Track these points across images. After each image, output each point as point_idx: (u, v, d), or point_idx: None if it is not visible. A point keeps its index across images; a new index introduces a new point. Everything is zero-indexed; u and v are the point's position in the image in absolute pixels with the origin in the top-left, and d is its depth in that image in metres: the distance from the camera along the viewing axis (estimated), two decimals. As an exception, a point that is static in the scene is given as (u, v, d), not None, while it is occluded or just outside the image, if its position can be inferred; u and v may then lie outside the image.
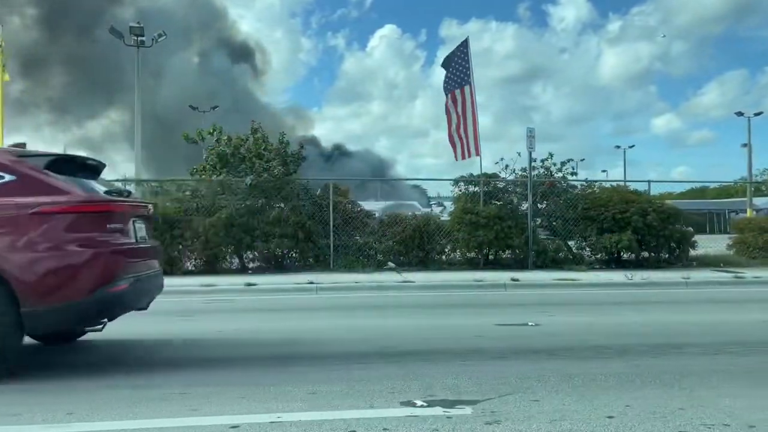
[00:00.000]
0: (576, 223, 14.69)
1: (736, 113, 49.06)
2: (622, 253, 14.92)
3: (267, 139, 14.41)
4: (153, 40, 33.29)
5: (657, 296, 10.50)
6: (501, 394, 4.04)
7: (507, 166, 15.22)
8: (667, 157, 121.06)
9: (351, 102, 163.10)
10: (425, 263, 14.05)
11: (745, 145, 48.47)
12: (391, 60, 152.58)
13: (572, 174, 15.28)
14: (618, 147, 79.08)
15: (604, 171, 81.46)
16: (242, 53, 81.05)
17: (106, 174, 5.78)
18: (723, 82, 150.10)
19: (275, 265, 13.99)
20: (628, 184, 16.21)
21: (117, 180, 13.18)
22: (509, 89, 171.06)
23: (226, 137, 13.83)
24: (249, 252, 13.73)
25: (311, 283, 11.53)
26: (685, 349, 5.64)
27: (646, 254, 14.77)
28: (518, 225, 14.15)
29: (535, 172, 15.30)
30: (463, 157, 14.81)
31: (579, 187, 15.43)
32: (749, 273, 13.18)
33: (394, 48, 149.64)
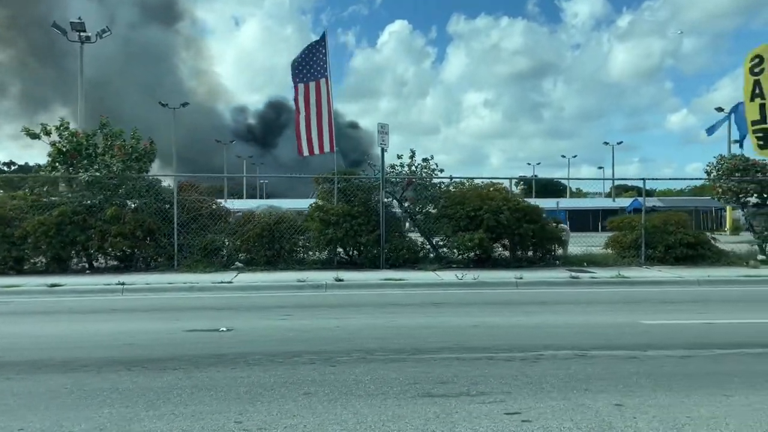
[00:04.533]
0: (436, 221, 14.35)
1: (716, 109, 48.32)
2: (493, 252, 14.57)
3: (120, 135, 14.15)
4: (97, 35, 33.29)
5: (463, 297, 10.20)
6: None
7: (372, 165, 14.91)
8: (680, 153, 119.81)
9: (361, 99, 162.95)
10: (274, 263, 13.75)
11: (736, 141, 47.95)
12: (401, 56, 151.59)
13: (434, 171, 14.91)
14: (606, 143, 78.19)
15: (600, 167, 79.88)
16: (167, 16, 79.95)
17: None
18: (736, 78, 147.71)
19: (126, 265, 13.76)
20: (493, 180, 15.71)
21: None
22: (519, 85, 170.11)
23: (68, 132, 13.56)
24: (91, 251, 13.47)
25: (121, 284, 11.27)
26: (296, 358, 5.33)
27: (518, 253, 14.44)
28: (371, 222, 13.82)
29: (403, 169, 15.02)
30: (311, 153, 14.45)
31: (443, 184, 15.05)
32: (598, 273, 12.80)
33: (405, 44, 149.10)
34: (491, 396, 4.09)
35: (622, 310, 8.38)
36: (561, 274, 12.73)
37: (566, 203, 49.30)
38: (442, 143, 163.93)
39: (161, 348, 5.91)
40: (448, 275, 12.36)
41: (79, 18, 32.49)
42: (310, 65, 14.49)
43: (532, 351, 5.58)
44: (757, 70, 15.20)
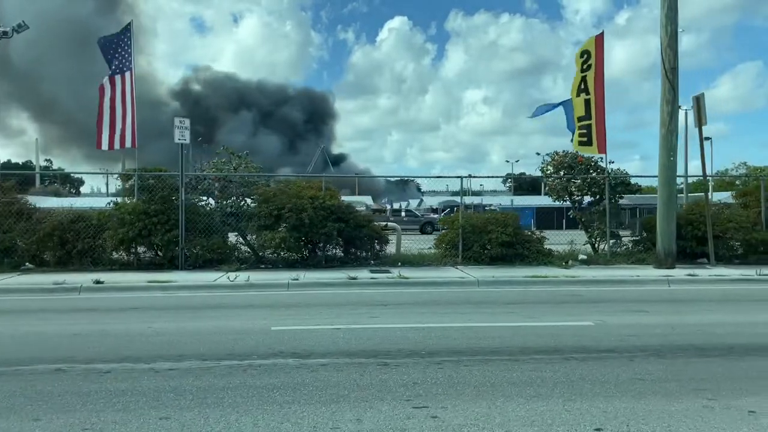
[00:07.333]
0: (249, 220, 13.81)
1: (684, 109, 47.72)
2: (326, 251, 14.12)
3: None
4: (13, 30, 32.08)
5: (196, 301, 9.76)
6: None
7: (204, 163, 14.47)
8: (681, 149, 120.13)
9: (360, 95, 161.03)
10: (65, 263, 13.12)
11: (707, 138, 47.85)
12: (400, 53, 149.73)
13: (256, 169, 14.47)
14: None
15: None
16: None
17: None
18: (736, 75, 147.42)
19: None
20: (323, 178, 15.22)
21: None
22: (519, 82, 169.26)
23: None
24: None
25: None
26: None
27: (320, 253, 13.98)
28: (170, 221, 13.24)
29: (225, 167, 14.51)
30: (111, 147, 13.84)
31: (261, 183, 14.55)
32: (392, 273, 12.38)
33: (404, 41, 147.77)
34: None
35: (296, 314, 8.01)
36: (344, 274, 12.17)
37: (537, 201, 49.46)
38: (443, 140, 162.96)
39: None
40: (224, 278, 11.80)
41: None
42: (117, 58, 13.89)
43: (86, 363, 5.09)
44: (585, 66, 14.93)
